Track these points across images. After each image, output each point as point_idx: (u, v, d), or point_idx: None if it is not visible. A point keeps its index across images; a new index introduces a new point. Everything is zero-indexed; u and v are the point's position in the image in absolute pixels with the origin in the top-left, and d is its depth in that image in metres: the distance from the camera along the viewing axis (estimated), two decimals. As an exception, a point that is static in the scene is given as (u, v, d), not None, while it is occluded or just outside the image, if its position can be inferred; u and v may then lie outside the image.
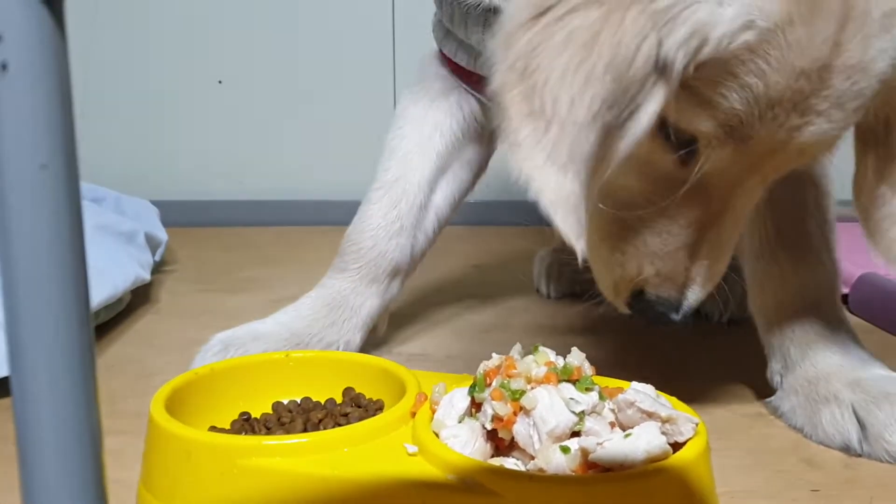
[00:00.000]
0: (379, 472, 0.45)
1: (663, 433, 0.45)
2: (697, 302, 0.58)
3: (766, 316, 0.68)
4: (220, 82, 1.57)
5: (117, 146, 1.56)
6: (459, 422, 0.48)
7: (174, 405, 0.51)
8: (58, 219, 0.24)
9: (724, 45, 0.46)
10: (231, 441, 0.49)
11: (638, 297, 0.58)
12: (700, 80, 0.47)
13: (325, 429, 0.53)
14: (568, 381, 0.47)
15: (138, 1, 1.54)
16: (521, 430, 0.46)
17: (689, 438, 0.46)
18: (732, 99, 0.48)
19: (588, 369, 0.49)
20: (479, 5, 0.66)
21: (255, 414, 0.57)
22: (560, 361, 0.49)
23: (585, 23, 0.45)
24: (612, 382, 0.52)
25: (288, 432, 0.53)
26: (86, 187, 1.06)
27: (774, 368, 0.67)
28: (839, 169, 0.64)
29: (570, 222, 0.47)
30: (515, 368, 0.48)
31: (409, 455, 0.46)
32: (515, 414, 0.46)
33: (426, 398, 0.51)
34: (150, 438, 0.50)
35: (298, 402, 0.58)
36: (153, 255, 1.06)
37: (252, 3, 1.54)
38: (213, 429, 0.54)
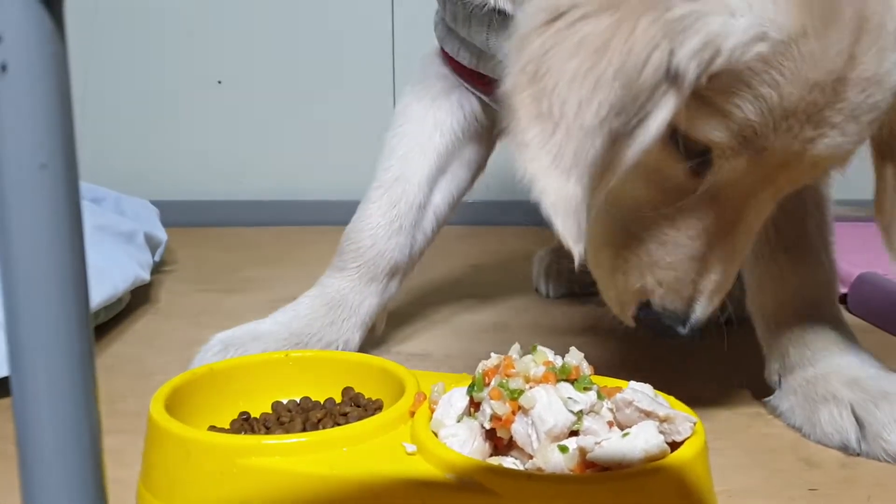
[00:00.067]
0: (378, 472, 0.45)
1: (661, 432, 0.45)
2: (705, 316, 0.57)
3: (765, 316, 0.68)
4: (219, 82, 1.57)
5: (117, 146, 1.56)
6: (458, 421, 0.48)
7: (174, 405, 0.51)
8: (57, 218, 0.24)
9: (737, 55, 0.46)
10: (230, 440, 0.49)
11: (644, 308, 0.57)
12: (714, 90, 0.47)
13: (324, 428, 0.54)
14: (566, 380, 0.48)
15: (138, 1, 1.54)
16: (519, 429, 0.46)
17: (687, 437, 0.46)
18: (747, 109, 0.48)
19: (586, 369, 0.49)
20: (484, 6, 0.66)
21: (255, 413, 0.57)
22: (558, 361, 0.49)
23: (597, 29, 0.45)
24: (611, 382, 0.53)
25: (287, 432, 0.53)
26: (85, 187, 1.06)
27: (773, 368, 0.68)
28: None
29: (569, 226, 0.47)
30: (514, 368, 0.48)
31: (408, 454, 0.46)
32: (514, 413, 0.46)
33: (425, 397, 0.51)
34: (149, 438, 0.50)
35: (298, 401, 0.58)
36: (153, 255, 1.06)
37: (252, 3, 1.54)
38: (212, 428, 0.54)
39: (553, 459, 0.44)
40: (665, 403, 0.48)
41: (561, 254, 1.06)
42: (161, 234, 1.12)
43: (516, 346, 0.51)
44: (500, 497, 0.42)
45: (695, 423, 0.47)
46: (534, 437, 0.45)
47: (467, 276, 1.15)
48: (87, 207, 0.96)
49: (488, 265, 1.22)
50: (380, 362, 0.59)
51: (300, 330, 0.74)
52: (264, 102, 1.57)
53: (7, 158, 0.23)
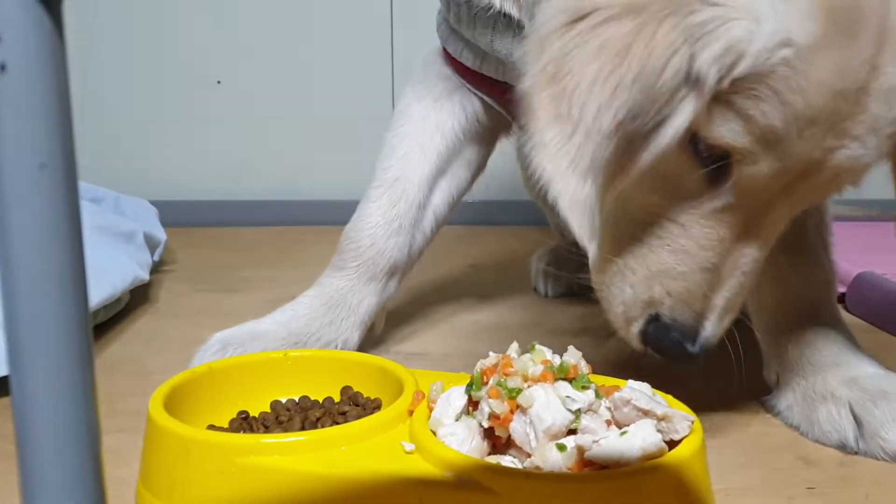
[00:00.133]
0: (376, 470, 0.45)
1: (659, 431, 0.45)
2: (717, 337, 0.56)
3: (764, 315, 0.68)
4: (218, 82, 1.57)
5: (117, 146, 1.56)
6: (456, 420, 0.48)
7: (173, 404, 0.52)
8: (57, 218, 0.24)
9: (763, 59, 0.46)
10: (229, 439, 0.49)
11: (653, 322, 0.55)
12: (738, 94, 0.47)
13: (322, 427, 0.54)
14: (564, 379, 0.48)
15: (138, 1, 1.54)
16: (517, 427, 0.46)
17: (685, 436, 0.46)
18: (771, 114, 0.47)
19: (584, 367, 0.49)
20: (489, 9, 0.66)
21: (254, 412, 0.57)
22: (556, 360, 0.49)
23: (619, 33, 0.46)
24: (609, 380, 0.53)
25: (286, 431, 0.53)
26: (85, 187, 1.06)
27: (771, 367, 0.68)
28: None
29: (584, 225, 0.48)
30: (512, 367, 0.48)
31: (407, 453, 0.46)
32: (512, 412, 0.46)
33: (423, 396, 0.51)
34: (148, 437, 0.50)
35: (296, 400, 0.58)
36: (152, 254, 1.07)
37: (251, 3, 1.54)
38: (211, 427, 0.54)
39: (551, 458, 0.44)
40: (663, 402, 0.48)
41: (560, 253, 1.06)
42: (160, 233, 1.13)
43: (515, 345, 0.51)
44: (498, 495, 0.42)
45: (693, 422, 0.47)
46: (532, 435, 0.45)
47: (466, 276, 1.15)
48: (86, 207, 0.96)
49: (487, 265, 1.22)
50: (378, 361, 0.59)
51: (299, 329, 0.74)
52: (264, 102, 1.57)
53: (6, 158, 0.24)
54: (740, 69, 0.46)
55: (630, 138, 0.47)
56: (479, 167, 0.82)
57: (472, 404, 0.49)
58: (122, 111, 1.57)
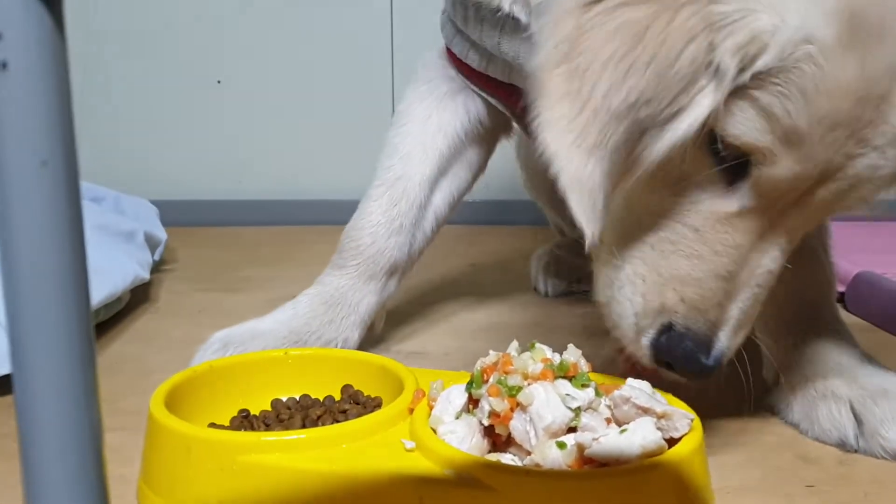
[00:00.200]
0: (377, 468, 0.45)
1: (659, 429, 0.45)
2: (731, 350, 0.53)
3: (764, 314, 0.68)
4: (219, 82, 1.57)
5: (117, 146, 1.56)
6: (457, 418, 0.48)
7: (174, 402, 0.52)
8: (58, 215, 0.24)
9: (787, 54, 0.45)
10: (230, 437, 0.49)
11: (665, 332, 0.53)
12: (761, 89, 0.46)
13: (323, 425, 0.54)
14: (564, 377, 0.48)
15: (138, 1, 1.54)
16: (517, 425, 0.46)
17: (685, 434, 0.46)
18: (795, 114, 0.46)
19: (584, 366, 0.50)
20: (497, 11, 0.65)
21: (254, 411, 0.57)
22: (556, 358, 0.49)
23: (636, 16, 0.45)
24: (608, 379, 0.53)
25: (287, 429, 0.53)
26: (85, 187, 1.06)
27: (771, 366, 0.68)
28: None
29: (584, 205, 0.47)
30: (512, 365, 0.48)
31: (407, 451, 0.47)
32: (512, 410, 0.46)
33: (424, 394, 0.51)
34: (149, 435, 0.50)
35: (297, 399, 0.58)
36: (152, 254, 1.07)
37: (251, 3, 1.54)
38: (212, 425, 0.54)
39: (551, 455, 0.44)
40: (662, 400, 0.48)
41: (560, 253, 1.06)
42: (161, 233, 1.13)
43: (515, 344, 0.51)
44: (498, 493, 0.43)
45: (692, 420, 0.47)
46: (532, 433, 0.46)
47: (466, 275, 1.15)
48: (87, 207, 0.96)
49: (487, 264, 1.22)
50: (379, 360, 0.59)
51: (299, 328, 0.74)
52: (264, 102, 1.58)
53: (8, 155, 0.24)
54: (763, 62, 0.45)
55: (642, 127, 0.46)
56: (480, 168, 0.82)
57: (473, 402, 0.49)
58: (123, 111, 1.57)
